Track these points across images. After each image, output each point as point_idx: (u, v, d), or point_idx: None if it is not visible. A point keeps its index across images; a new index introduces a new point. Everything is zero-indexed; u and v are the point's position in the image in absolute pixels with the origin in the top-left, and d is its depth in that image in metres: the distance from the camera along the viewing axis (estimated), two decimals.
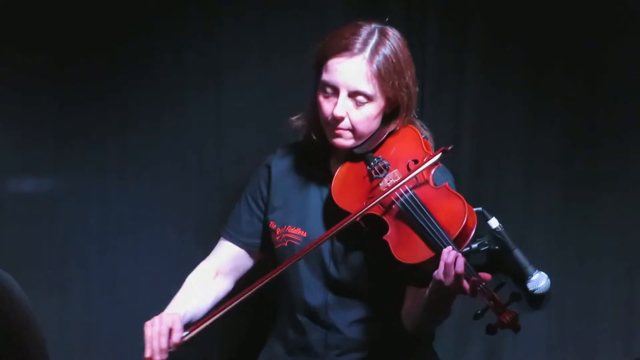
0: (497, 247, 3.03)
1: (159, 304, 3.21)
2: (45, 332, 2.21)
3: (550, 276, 3.07)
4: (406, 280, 2.61)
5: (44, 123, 3.15)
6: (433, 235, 2.47)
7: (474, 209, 2.57)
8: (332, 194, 2.62)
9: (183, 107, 3.22)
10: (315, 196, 2.70)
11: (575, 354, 3.24)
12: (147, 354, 2.58)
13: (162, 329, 2.57)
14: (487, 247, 3.02)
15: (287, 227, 2.70)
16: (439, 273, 2.42)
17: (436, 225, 2.48)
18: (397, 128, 2.66)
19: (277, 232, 2.72)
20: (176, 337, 2.56)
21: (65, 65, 3.14)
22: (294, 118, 2.75)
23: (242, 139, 3.23)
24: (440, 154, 2.56)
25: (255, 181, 2.80)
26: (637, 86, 3.20)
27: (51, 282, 3.16)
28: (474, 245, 2.99)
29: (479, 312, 2.41)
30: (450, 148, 2.57)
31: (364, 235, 2.57)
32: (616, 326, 3.23)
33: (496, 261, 3.05)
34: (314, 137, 2.70)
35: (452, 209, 2.50)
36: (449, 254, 2.41)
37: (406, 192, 2.55)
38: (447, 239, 2.45)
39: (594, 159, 3.23)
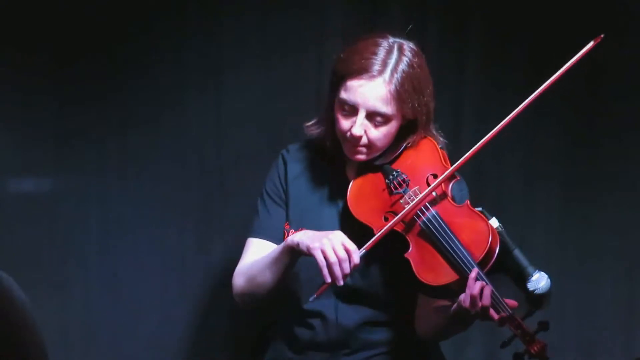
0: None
1: (159, 304, 3.22)
2: (45, 332, 2.20)
3: (550, 276, 3.07)
4: (424, 293, 2.61)
5: (44, 123, 3.15)
6: (457, 258, 2.46)
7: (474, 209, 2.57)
8: (349, 205, 2.60)
9: (183, 107, 3.22)
10: (331, 202, 2.69)
11: (575, 354, 3.25)
12: (328, 279, 2.44)
13: (341, 252, 2.44)
14: None
15: (301, 229, 2.63)
16: (465, 301, 2.42)
17: (460, 247, 2.47)
18: (415, 141, 2.65)
19: (292, 234, 2.68)
20: (356, 258, 2.46)
21: (65, 65, 3.14)
22: (308, 124, 2.72)
23: (242, 139, 3.23)
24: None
25: (273, 176, 2.76)
26: (637, 86, 3.21)
27: (51, 282, 3.15)
28: None
29: (506, 340, 2.41)
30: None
31: (383, 248, 2.54)
32: (616, 326, 3.23)
33: (496, 261, 3.04)
34: (329, 145, 2.69)
35: (475, 230, 2.49)
36: (474, 283, 2.40)
37: (428, 210, 2.53)
38: (472, 262, 2.45)
39: (594, 159, 3.23)
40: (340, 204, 2.67)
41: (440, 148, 2.64)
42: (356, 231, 2.55)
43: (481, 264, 2.46)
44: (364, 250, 2.47)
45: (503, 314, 2.40)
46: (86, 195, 3.19)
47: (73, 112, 3.17)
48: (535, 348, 2.37)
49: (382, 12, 3.19)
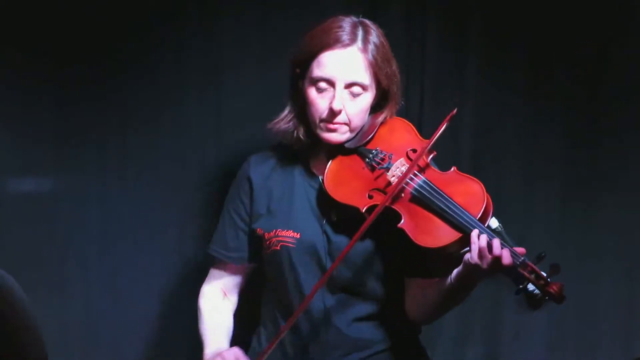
0: None
1: (159, 304, 3.22)
2: (45, 332, 2.21)
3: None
4: (417, 272, 2.61)
5: (44, 123, 3.15)
6: (456, 216, 2.47)
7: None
8: (329, 191, 2.61)
9: (183, 107, 3.22)
10: (300, 197, 2.69)
11: (575, 354, 3.25)
12: None
13: None
14: None
15: (276, 231, 2.68)
16: (473, 257, 2.42)
17: (457, 205, 2.48)
18: (386, 119, 2.66)
19: (266, 237, 2.69)
20: None
21: (65, 66, 3.14)
22: (273, 122, 2.74)
23: (242, 139, 3.23)
24: (446, 124, 2.56)
25: (235, 194, 2.78)
26: (637, 86, 3.21)
27: (51, 282, 3.15)
28: None
29: (520, 286, 2.41)
30: (454, 112, 2.58)
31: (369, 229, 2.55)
32: (616, 326, 3.23)
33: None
34: (302, 137, 2.69)
35: (468, 190, 2.52)
36: (479, 237, 2.41)
37: (418, 177, 2.55)
38: (472, 218, 2.46)
39: (594, 159, 3.23)
40: (312, 199, 2.67)
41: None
42: (345, 215, 2.56)
43: (481, 220, 2.47)
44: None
45: (513, 260, 2.40)
46: (86, 195, 3.19)
47: (73, 112, 3.16)
48: (554, 288, 2.38)
49: (382, 12, 3.19)
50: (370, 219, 2.51)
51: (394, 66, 2.64)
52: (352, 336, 2.66)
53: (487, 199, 2.51)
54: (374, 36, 2.61)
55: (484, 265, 2.41)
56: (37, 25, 3.11)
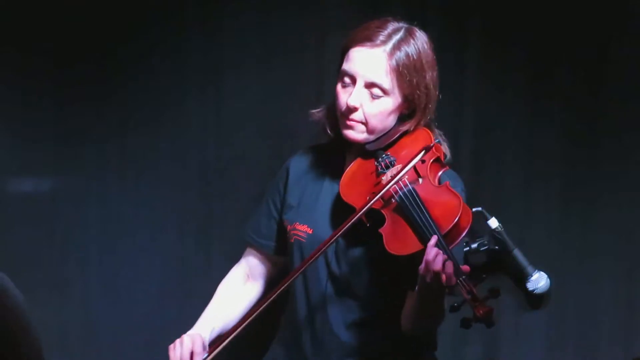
0: (496, 247, 3.03)
1: (159, 304, 3.22)
2: (44, 332, 2.21)
3: (550, 276, 3.07)
4: (402, 281, 2.61)
5: (44, 123, 3.16)
6: (424, 228, 2.47)
7: (474, 209, 2.57)
8: (340, 189, 2.63)
9: (183, 107, 3.22)
10: (327, 193, 2.70)
11: (575, 354, 3.24)
12: None
13: (184, 353, 2.59)
14: (486, 247, 3.02)
15: (295, 223, 2.70)
16: (421, 268, 2.42)
17: (428, 218, 2.47)
18: (412, 129, 2.66)
19: (288, 229, 2.72)
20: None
21: (65, 66, 3.14)
22: (314, 111, 2.75)
23: (242, 139, 3.23)
24: (432, 145, 2.58)
25: (274, 183, 2.81)
26: (637, 86, 3.20)
27: (51, 282, 3.16)
28: (474, 245, 2.99)
29: (455, 304, 2.41)
30: (434, 143, 2.59)
31: (366, 231, 2.56)
32: (616, 326, 3.23)
33: (496, 261, 3.05)
34: (329, 132, 2.70)
35: (447, 205, 2.50)
36: (431, 250, 2.41)
37: (406, 186, 2.54)
38: (436, 231, 2.45)
39: (594, 159, 3.22)
40: (335, 198, 2.68)
41: (437, 142, 2.64)
42: (346, 215, 2.56)
43: (447, 237, 2.46)
44: (207, 355, 2.61)
45: (454, 278, 2.39)
46: (86, 195, 3.19)
47: (73, 112, 3.17)
48: (481, 311, 2.36)
49: (382, 12, 3.19)
50: (353, 217, 2.52)
51: (428, 78, 2.61)
52: (348, 341, 2.66)
53: (463, 215, 2.49)
54: (411, 45, 2.59)
55: (428, 279, 2.41)
56: (37, 25, 3.12)
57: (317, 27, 3.22)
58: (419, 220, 2.48)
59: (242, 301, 2.82)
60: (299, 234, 2.68)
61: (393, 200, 2.54)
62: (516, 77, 3.24)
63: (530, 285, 3.04)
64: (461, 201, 2.50)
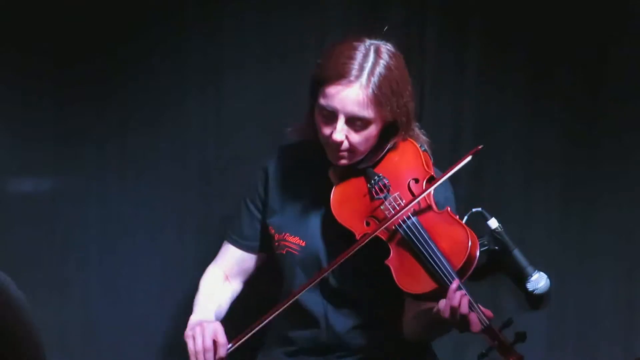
0: (496, 248, 3.02)
1: (159, 304, 3.22)
2: (44, 332, 2.21)
3: (550, 276, 3.07)
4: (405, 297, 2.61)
5: (44, 123, 3.15)
6: (437, 268, 2.47)
7: (474, 209, 2.57)
8: (332, 209, 2.62)
9: (183, 107, 3.22)
10: (314, 205, 2.70)
11: (575, 354, 3.25)
12: None
13: (207, 343, 2.53)
14: (486, 247, 3.01)
15: (285, 234, 2.70)
16: (445, 312, 2.42)
17: (440, 256, 2.48)
18: (396, 143, 2.65)
19: (276, 238, 2.72)
20: (222, 351, 2.54)
21: (65, 66, 3.14)
22: (290, 130, 2.75)
23: (242, 139, 3.23)
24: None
25: (252, 184, 2.80)
26: (637, 86, 3.20)
27: (51, 282, 3.16)
28: None
29: (483, 351, 2.42)
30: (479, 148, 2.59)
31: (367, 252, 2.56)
32: (616, 326, 3.23)
33: (496, 261, 3.04)
34: (312, 149, 2.69)
35: (455, 238, 2.51)
36: (454, 294, 2.41)
37: (409, 218, 2.54)
38: (452, 272, 2.46)
39: (594, 159, 3.23)
40: (324, 208, 2.67)
41: (423, 150, 2.64)
42: (340, 235, 2.57)
43: (460, 272, 2.47)
44: (232, 346, 2.54)
45: (481, 325, 2.41)
46: (86, 195, 3.19)
47: (73, 112, 3.17)
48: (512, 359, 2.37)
49: (382, 13, 3.19)
50: (356, 246, 2.52)
51: (405, 96, 2.58)
52: (351, 342, 2.67)
53: (472, 247, 2.50)
54: (383, 67, 2.55)
55: (452, 322, 2.43)
56: (37, 25, 3.12)
57: (317, 27, 3.22)
58: (429, 259, 2.49)
59: (226, 297, 2.81)
60: (292, 246, 2.69)
61: (397, 233, 2.54)
62: (516, 77, 3.24)
63: (530, 286, 3.03)
64: (467, 230, 2.50)
